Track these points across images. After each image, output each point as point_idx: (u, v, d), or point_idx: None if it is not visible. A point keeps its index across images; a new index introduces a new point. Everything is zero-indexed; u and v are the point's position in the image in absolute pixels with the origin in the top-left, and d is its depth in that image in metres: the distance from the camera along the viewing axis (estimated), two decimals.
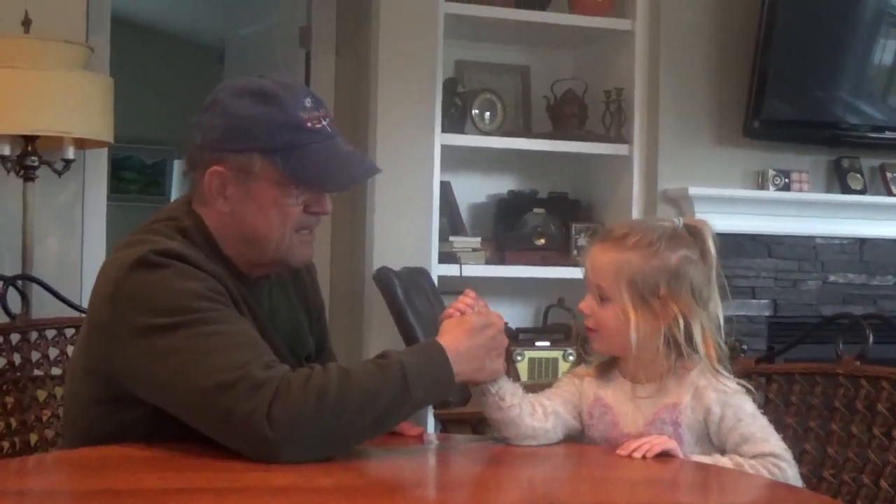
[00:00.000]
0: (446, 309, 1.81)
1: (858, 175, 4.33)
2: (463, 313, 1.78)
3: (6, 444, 2.26)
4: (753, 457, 1.71)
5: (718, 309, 1.81)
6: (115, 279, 1.68)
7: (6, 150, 3.40)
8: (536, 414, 1.81)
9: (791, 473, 1.72)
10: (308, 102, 1.78)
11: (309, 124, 1.76)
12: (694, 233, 1.81)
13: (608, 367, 1.87)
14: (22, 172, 3.42)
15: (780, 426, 2.07)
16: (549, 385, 1.92)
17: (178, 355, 1.61)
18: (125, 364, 1.67)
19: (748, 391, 1.80)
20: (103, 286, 1.71)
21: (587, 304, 1.82)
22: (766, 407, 2.17)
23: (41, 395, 2.34)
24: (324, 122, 1.78)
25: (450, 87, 4.08)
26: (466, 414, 3.13)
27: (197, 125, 1.81)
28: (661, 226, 1.80)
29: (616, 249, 1.77)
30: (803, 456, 2.12)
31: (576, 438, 1.86)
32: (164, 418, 1.65)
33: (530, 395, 1.85)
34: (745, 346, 2.30)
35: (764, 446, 1.72)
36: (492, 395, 1.79)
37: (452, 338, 1.73)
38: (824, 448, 2.15)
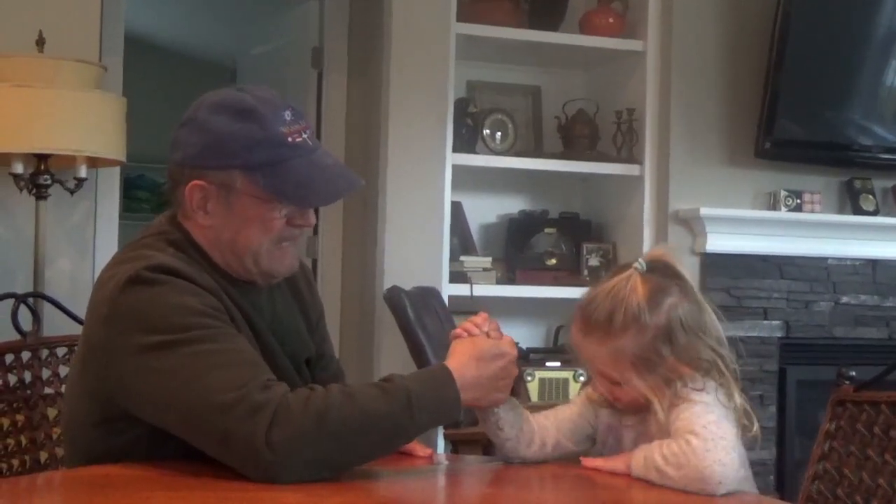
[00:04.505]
0: (455, 328, 1.79)
1: (870, 196, 4.32)
2: (471, 334, 1.76)
3: (16, 462, 2.26)
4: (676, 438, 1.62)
5: (714, 320, 1.72)
6: (110, 298, 1.66)
7: (19, 169, 3.41)
8: (533, 446, 1.79)
9: (704, 451, 1.57)
10: (288, 116, 1.75)
11: (290, 139, 1.74)
12: (660, 266, 1.73)
13: None
14: (34, 191, 3.44)
15: (862, 457, 2.03)
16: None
17: (176, 375, 1.59)
18: (123, 383, 1.65)
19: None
20: (98, 306, 1.69)
21: (602, 388, 1.76)
22: (853, 438, 2.09)
23: (51, 412, 2.34)
24: (304, 136, 1.76)
25: (461, 107, 4.08)
26: (477, 434, 3.12)
27: (175, 141, 1.79)
28: (632, 285, 1.69)
29: (607, 338, 1.69)
30: (877, 490, 2.01)
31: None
32: (164, 438, 1.64)
33: (539, 415, 1.82)
34: (852, 373, 2.18)
35: (687, 426, 1.61)
36: (491, 422, 1.79)
37: (461, 364, 1.70)
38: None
